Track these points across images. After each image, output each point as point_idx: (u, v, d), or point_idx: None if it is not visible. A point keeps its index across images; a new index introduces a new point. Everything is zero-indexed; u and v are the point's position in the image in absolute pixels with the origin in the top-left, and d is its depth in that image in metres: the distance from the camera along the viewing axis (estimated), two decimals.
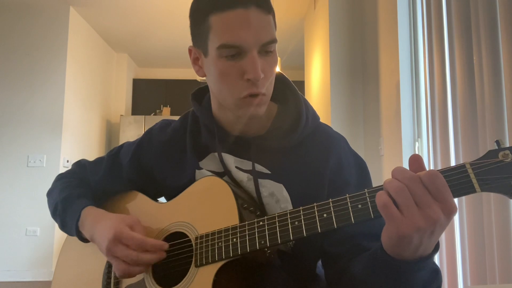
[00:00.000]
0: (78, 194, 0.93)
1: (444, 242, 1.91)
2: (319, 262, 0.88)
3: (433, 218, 0.52)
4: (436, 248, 0.59)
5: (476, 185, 0.54)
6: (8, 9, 4.31)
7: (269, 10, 0.75)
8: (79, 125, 4.70)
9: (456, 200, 1.92)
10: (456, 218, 1.81)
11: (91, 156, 4.62)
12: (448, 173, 0.55)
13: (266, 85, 0.75)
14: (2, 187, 4.11)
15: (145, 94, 6.28)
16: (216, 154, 0.85)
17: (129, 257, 0.75)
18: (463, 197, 1.73)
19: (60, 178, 1.02)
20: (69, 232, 0.92)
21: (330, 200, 0.63)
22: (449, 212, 0.53)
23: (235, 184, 0.82)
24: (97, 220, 0.84)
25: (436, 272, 0.62)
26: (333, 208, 0.62)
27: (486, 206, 1.58)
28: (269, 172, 0.81)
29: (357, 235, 0.73)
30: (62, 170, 4.12)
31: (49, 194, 1.00)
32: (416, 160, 0.56)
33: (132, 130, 5.55)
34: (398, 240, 0.55)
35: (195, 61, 0.83)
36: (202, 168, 0.86)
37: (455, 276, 1.82)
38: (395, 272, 0.59)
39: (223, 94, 0.78)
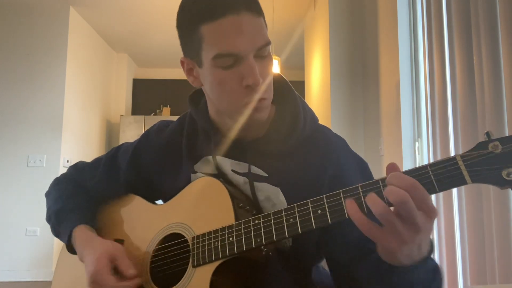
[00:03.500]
0: (71, 208, 0.93)
1: (444, 242, 1.91)
2: (318, 264, 0.88)
3: (417, 229, 0.53)
4: (432, 246, 0.59)
5: (467, 177, 0.54)
6: (8, 9, 4.31)
7: (259, 12, 0.73)
8: (79, 125, 4.70)
9: (456, 200, 1.89)
10: (456, 218, 1.81)
11: (91, 157, 4.62)
12: (439, 165, 0.55)
13: (265, 89, 0.74)
14: (2, 187, 4.12)
15: (145, 94, 6.28)
16: (210, 157, 0.84)
17: None
18: (463, 197, 1.72)
19: (57, 183, 1.01)
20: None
21: (324, 196, 0.62)
22: (431, 217, 0.53)
23: (231, 185, 0.81)
24: (84, 247, 0.84)
25: (434, 272, 0.62)
26: (327, 204, 0.62)
27: (486, 206, 1.58)
28: (266, 175, 0.80)
29: (362, 238, 0.72)
30: (62, 170, 4.14)
31: (47, 196, 1.00)
32: (392, 170, 0.56)
33: (132, 130, 5.55)
34: (386, 251, 0.57)
35: (189, 72, 0.80)
36: (197, 172, 0.85)
37: (455, 276, 1.81)
38: (395, 275, 0.60)
39: (223, 103, 0.77)
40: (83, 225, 0.89)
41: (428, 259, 0.58)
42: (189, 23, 0.73)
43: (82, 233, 0.87)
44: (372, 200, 0.52)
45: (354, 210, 0.54)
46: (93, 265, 0.77)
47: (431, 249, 0.59)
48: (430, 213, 0.52)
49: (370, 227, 0.53)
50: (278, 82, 0.87)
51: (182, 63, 0.81)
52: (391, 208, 0.53)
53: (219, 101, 0.77)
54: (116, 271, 0.79)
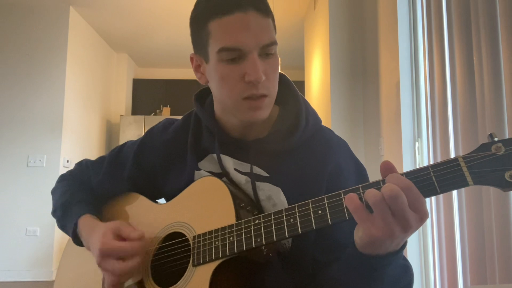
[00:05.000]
0: (76, 200, 0.94)
1: (444, 242, 1.91)
2: None
3: (408, 227, 0.55)
4: (405, 243, 0.61)
5: (469, 178, 0.54)
6: (8, 9, 4.31)
7: (267, 13, 0.75)
8: (79, 125, 4.70)
9: (456, 200, 1.89)
10: (456, 218, 1.81)
11: (91, 157, 4.62)
12: (441, 166, 0.55)
13: (268, 87, 0.75)
14: (2, 187, 4.12)
15: (145, 94, 6.28)
16: (214, 155, 0.85)
17: (116, 270, 0.76)
18: (464, 198, 1.72)
19: (62, 179, 1.02)
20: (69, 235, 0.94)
21: (325, 196, 0.62)
22: (421, 220, 0.55)
23: (233, 185, 0.82)
24: (90, 233, 0.85)
25: (406, 268, 0.65)
26: (327, 205, 0.62)
27: (486, 206, 1.58)
28: (268, 175, 0.81)
29: (343, 241, 0.73)
30: (62, 170, 4.15)
31: (53, 192, 1.01)
32: (387, 169, 0.58)
33: (132, 130, 5.55)
34: (370, 241, 0.57)
35: (197, 68, 0.83)
36: (201, 169, 0.86)
37: (455, 276, 1.82)
38: (365, 267, 0.61)
39: (224, 98, 0.78)
40: (88, 215, 0.90)
41: (400, 255, 0.61)
42: (199, 19, 0.77)
43: (87, 222, 0.88)
44: (369, 192, 0.55)
45: (351, 199, 0.57)
46: (99, 242, 0.78)
47: (404, 245, 0.62)
48: (422, 215, 0.55)
49: (364, 217, 0.56)
50: (282, 81, 0.87)
51: (192, 59, 0.84)
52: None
53: (222, 97, 0.79)
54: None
